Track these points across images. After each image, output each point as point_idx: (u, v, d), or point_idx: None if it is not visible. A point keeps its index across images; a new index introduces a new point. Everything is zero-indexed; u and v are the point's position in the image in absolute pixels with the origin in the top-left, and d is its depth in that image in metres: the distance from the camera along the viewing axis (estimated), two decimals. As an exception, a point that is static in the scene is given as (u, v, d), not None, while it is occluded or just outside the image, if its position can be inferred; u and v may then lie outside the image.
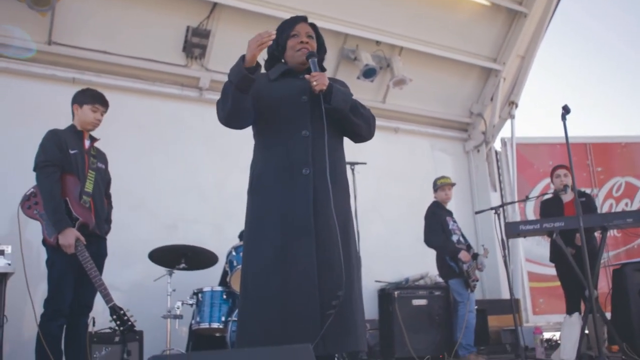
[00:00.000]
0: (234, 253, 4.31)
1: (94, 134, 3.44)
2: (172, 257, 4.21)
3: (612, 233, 6.96)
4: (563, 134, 3.69)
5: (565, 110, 3.68)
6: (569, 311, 4.65)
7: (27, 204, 3.16)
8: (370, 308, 5.29)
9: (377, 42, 6.34)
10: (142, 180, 5.29)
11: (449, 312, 5.13)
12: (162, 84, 5.71)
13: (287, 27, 2.35)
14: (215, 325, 4.12)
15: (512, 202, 6.62)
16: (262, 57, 2.19)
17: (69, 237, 3.00)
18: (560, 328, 5.17)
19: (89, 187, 3.24)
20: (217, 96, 2.24)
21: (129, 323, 3.03)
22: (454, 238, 5.06)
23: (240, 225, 2.33)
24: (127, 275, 4.90)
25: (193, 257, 4.25)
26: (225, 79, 2.17)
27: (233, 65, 2.11)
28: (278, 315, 2.02)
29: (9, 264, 3.19)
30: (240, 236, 4.45)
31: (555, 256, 4.82)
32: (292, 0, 5.58)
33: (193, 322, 4.25)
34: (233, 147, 4.78)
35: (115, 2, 5.27)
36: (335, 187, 2.14)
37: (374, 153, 5.84)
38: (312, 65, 2.22)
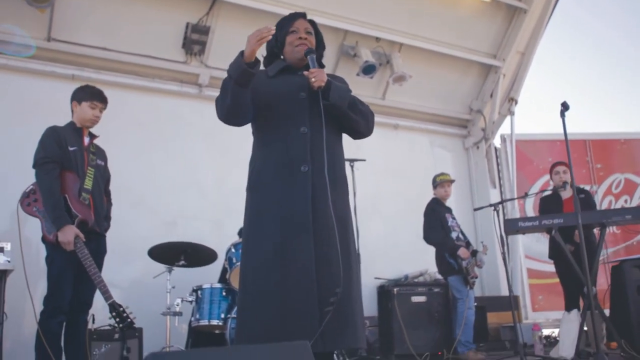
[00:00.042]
0: (233, 250, 4.31)
1: (93, 130, 3.44)
2: (171, 254, 4.21)
3: (611, 230, 6.97)
4: (562, 131, 3.69)
5: (564, 106, 3.67)
6: (568, 308, 4.67)
7: (27, 201, 3.16)
8: (369, 305, 5.28)
9: (377, 39, 6.33)
10: (142, 177, 5.29)
11: (448, 309, 5.13)
12: (161, 80, 5.70)
13: (286, 24, 2.35)
14: (214, 322, 4.12)
15: (512, 199, 6.63)
16: (261, 53, 2.19)
17: (68, 234, 3.00)
18: (559, 325, 5.18)
19: (88, 184, 3.24)
20: (216, 93, 2.23)
21: (129, 320, 3.03)
22: (453, 235, 5.07)
23: (240, 222, 2.34)
24: (126, 272, 4.90)
25: (193, 254, 4.25)
26: (224, 75, 2.16)
27: (232, 61, 2.11)
28: (277, 311, 2.02)
29: (9, 261, 3.19)
30: (240, 233, 4.45)
31: (554, 253, 4.84)
32: (292, -3, 5.58)
33: (192, 319, 4.25)
34: (232, 144, 4.78)
35: (114, -1, 5.26)
36: (334, 184, 2.15)
37: (373, 150, 5.85)
38: (310, 62, 2.21)
